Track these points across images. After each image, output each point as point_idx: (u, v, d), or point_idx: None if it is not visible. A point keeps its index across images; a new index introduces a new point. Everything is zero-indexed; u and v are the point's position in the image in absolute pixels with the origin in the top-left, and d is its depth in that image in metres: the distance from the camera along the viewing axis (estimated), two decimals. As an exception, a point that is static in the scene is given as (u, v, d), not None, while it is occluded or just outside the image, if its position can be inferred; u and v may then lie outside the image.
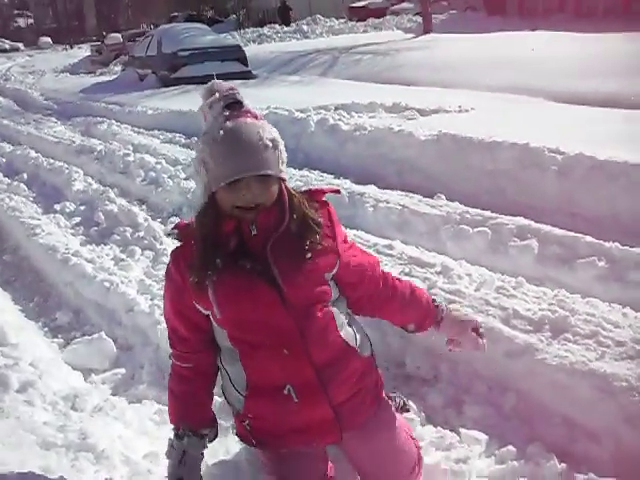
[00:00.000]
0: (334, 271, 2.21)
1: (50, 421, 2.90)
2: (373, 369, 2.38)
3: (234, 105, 2.05)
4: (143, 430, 3.06)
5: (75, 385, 3.47)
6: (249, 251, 2.07)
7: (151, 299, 4.50)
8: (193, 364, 2.28)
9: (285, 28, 31.86)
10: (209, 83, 2.14)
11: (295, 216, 2.11)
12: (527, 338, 3.20)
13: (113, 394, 3.63)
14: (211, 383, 2.35)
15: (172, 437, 2.31)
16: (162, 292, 4.51)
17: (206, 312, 2.14)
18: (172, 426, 2.36)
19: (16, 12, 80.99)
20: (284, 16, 35.23)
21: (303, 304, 2.10)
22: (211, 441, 2.38)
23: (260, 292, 2.06)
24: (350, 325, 2.28)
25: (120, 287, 4.67)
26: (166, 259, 5.31)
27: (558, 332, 3.23)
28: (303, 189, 2.34)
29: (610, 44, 14.86)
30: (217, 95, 2.08)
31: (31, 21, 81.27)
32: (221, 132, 1.97)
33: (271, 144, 2.00)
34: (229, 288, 2.06)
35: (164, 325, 4.05)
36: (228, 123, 1.99)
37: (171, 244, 5.74)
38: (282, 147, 2.07)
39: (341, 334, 2.19)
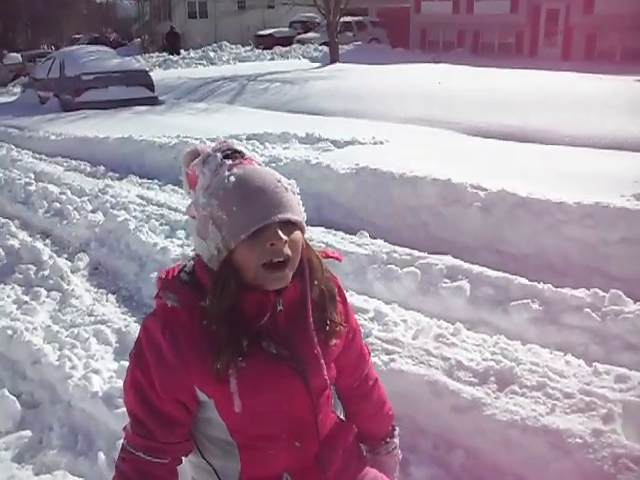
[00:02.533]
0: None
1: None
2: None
3: (234, 154, 1.72)
4: (56, 510, 2.71)
5: (-26, 455, 3.07)
6: (272, 330, 1.71)
7: (59, 349, 4.12)
8: (170, 458, 1.79)
9: (191, 54, 31.39)
10: (190, 148, 1.81)
11: (316, 282, 1.77)
12: (473, 392, 3.04)
13: (17, 462, 3.24)
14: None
15: None
16: (72, 340, 4.23)
17: (209, 400, 1.73)
18: None
19: None
20: (173, 43, 33.59)
21: (320, 391, 1.82)
22: None
23: (286, 382, 1.72)
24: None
25: (24, 335, 4.26)
26: (74, 301, 5.02)
27: (505, 384, 3.08)
28: None
29: (508, 79, 15.34)
30: (208, 150, 1.74)
31: None
32: (231, 179, 1.62)
33: (289, 187, 1.68)
34: (254, 377, 1.69)
35: (75, 379, 3.74)
36: (235, 170, 1.65)
37: (80, 284, 5.38)
38: (298, 197, 1.74)
39: (336, 412, 1.98)
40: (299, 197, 1.71)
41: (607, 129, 9.84)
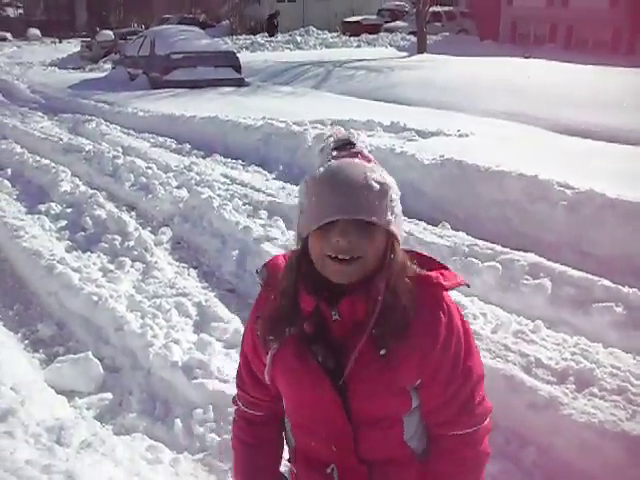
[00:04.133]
0: (417, 382, 1.71)
1: (33, 459, 2.61)
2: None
3: (345, 146, 1.67)
4: (135, 470, 2.79)
5: (60, 414, 3.19)
6: (327, 335, 1.67)
7: (142, 317, 4.24)
8: (265, 412, 1.92)
9: (279, 37, 31.66)
10: (329, 129, 1.79)
11: (391, 295, 1.62)
12: (551, 390, 3.00)
13: (99, 421, 3.36)
14: (281, 433, 1.96)
15: None
16: (154, 310, 4.35)
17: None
18: None
19: (5, 1, 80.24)
20: (270, 26, 34.81)
21: (371, 416, 1.71)
22: None
23: (323, 394, 1.68)
24: (421, 438, 1.82)
25: (109, 302, 4.40)
26: (157, 273, 5.15)
27: (584, 386, 3.03)
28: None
29: (605, 77, 14.89)
30: (330, 138, 1.70)
31: (21, 11, 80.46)
32: (321, 170, 1.61)
33: (378, 186, 1.57)
34: (290, 372, 1.71)
35: (156, 348, 3.84)
36: (333, 162, 1.63)
37: (162, 257, 5.51)
38: (395, 196, 1.62)
39: (408, 445, 1.77)
40: (394, 202, 1.59)
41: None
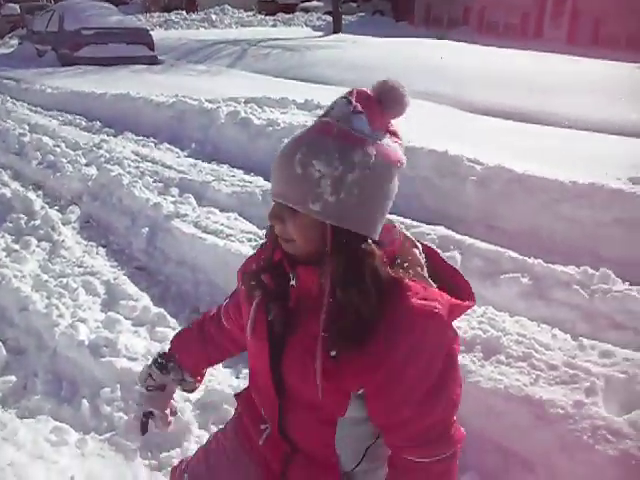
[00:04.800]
0: (359, 390, 1.58)
1: None
2: None
3: (334, 109, 1.53)
4: (38, 453, 2.69)
5: (-42, 395, 3.06)
6: (287, 296, 1.61)
7: (47, 297, 4.11)
8: (229, 328, 1.96)
9: (193, 15, 31.17)
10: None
11: (339, 291, 1.48)
12: (459, 359, 3.03)
13: (1, 405, 3.24)
14: (225, 351, 2.04)
15: (152, 366, 2.05)
16: (60, 290, 4.22)
17: None
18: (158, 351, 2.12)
19: None
20: (189, 3, 34.49)
21: (301, 398, 1.63)
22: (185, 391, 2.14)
23: (261, 353, 1.65)
24: (365, 459, 1.72)
25: (13, 282, 4.25)
26: (64, 252, 5.00)
27: (490, 353, 3.09)
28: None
29: (512, 59, 15.25)
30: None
31: None
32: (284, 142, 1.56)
33: (301, 170, 1.43)
34: (248, 321, 1.67)
35: (62, 327, 3.73)
36: (296, 133, 1.54)
37: (70, 236, 5.36)
38: (328, 182, 1.42)
39: (337, 451, 1.69)
40: (326, 188, 1.42)
41: (607, 114, 9.82)
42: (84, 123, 9.74)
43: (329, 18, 25.99)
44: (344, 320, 1.46)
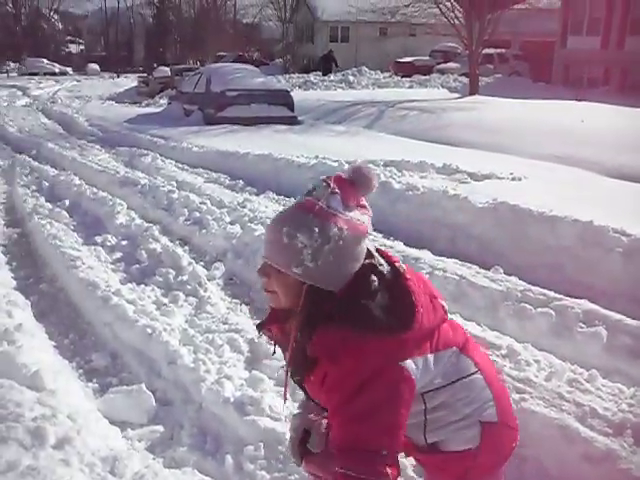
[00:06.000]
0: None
1: (90, 488, 2.67)
2: (453, 465, 2.15)
3: (314, 190, 1.99)
4: (187, 504, 2.82)
5: (114, 444, 3.23)
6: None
7: (194, 352, 4.29)
8: None
9: (331, 77, 32.05)
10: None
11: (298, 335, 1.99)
12: (608, 442, 2.94)
13: (151, 453, 3.40)
14: None
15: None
16: (206, 345, 4.40)
17: None
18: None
19: (69, 38, 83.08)
20: (326, 65, 35.34)
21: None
22: None
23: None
24: (427, 424, 2.12)
25: (163, 335, 4.46)
26: (210, 308, 5.21)
27: (642, 439, 2.97)
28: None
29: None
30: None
31: (82, 47, 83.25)
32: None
33: (287, 240, 1.89)
34: None
35: (209, 383, 3.88)
36: (286, 207, 2.05)
37: (215, 292, 5.57)
38: (308, 252, 1.88)
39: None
40: (308, 256, 1.87)
41: None
42: (228, 181, 10.16)
43: (465, 80, 26.07)
44: (296, 361, 2.00)
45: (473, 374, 2.09)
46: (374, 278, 1.95)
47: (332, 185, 1.93)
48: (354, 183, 1.96)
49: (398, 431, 1.92)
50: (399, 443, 1.94)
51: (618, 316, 4.34)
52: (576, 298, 4.62)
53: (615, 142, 11.99)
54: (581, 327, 4.27)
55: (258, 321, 4.58)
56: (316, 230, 1.87)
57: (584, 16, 29.52)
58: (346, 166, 8.97)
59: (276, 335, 2.14)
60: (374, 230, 6.90)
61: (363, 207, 1.97)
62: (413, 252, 5.81)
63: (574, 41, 29.98)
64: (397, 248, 5.91)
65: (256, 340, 4.49)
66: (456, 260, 5.62)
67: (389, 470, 1.88)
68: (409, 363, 1.91)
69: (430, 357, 1.99)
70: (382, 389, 1.87)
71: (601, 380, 3.60)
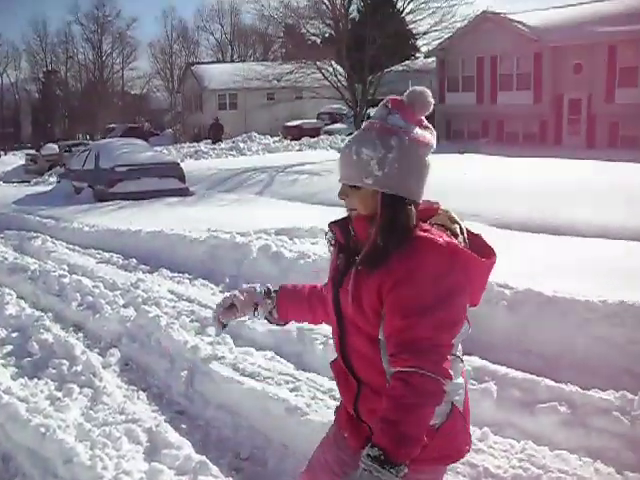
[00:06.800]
0: (381, 310, 2.05)
1: None
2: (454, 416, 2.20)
3: (376, 115, 2.17)
4: None
5: None
6: (350, 249, 2.20)
7: (91, 448, 4.18)
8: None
9: (222, 144, 32.29)
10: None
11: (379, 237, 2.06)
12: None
13: None
14: (318, 317, 2.54)
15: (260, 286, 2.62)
16: (103, 440, 4.30)
17: None
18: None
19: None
20: (215, 134, 35.61)
21: (351, 320, 2.14)
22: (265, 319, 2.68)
23: (329, 291, 2.25)
24: None
25: (57, 433, 4.33)
26: (106, 398, 5.09)
27: (532, 493, 3.09)
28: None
29: (535, 168, 15.51)
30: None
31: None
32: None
33: (355, 157, 2.08)
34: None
35: (106, 480, 3.79)
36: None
37: (110, 380, 5.47)
38: (375, 162, 2.06)
39: (385, 371, 2.07)
40: (375, 166, 2.04)
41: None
42: (121, 261, 10.02)
43: (353, 139, 26.77)
44: (369, 252, 2.05)
45: (459, 357, 2.19)
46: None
47: (389, 106, 2.12)
48: (412, 104, 2.12)
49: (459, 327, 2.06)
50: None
51: (505, 369, 4.51)
52: (466, 355, 4.76)
53: (495, 192, 12.53)
54: (472, 384, 4.40)
55: (155, 408, 4.57)
56: (378, 143, 2.06)
57: (458, 74, 31.12)
58: (238, 238, 9.03)
59: (338, 237, 2.24)
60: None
61: (426, 127, 2.14)
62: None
63: (452, 97, 31.51)
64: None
65: (154, 429, 4.43)
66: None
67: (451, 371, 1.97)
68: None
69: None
70: (445, 289, 1.97)
71: (492, 437, 3.72)
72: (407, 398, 1.90)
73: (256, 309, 2.60)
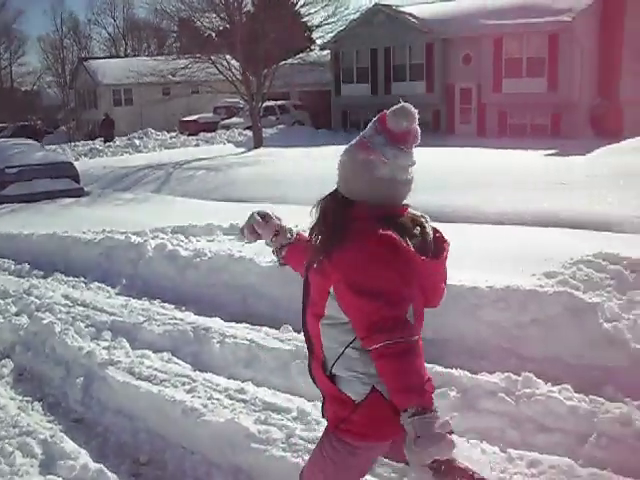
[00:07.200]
0: (328, 290, 2.41)
1: None
2: (337, 403, 2.49)
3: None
4: None
5: None
6: None
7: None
8: None
9: (117, 142, 31.60)
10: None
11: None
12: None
13: None
14: None
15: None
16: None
17: None
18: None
19: None
20: (108, 130, 34.14)
21: (310, 300, 2.54)
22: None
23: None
24: (341, 357, 2.44)
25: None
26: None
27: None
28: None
29: (432, 159, 15.89)
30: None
31: None
32: None
33: (341, 163, 2.45)
34: None
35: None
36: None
37: (3, 392, 5.34)
38: (341, 167, 2.44)
39: (324, 352, 2.49)
40: (340, 171, 2.44)
41: (521, 206, 10.33)
42: (13, 267, 9.70)
43: (250, 133, 26.74)
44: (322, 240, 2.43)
45: None
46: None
47: (378, 126, 2.42)
48: (390, 128, 2.39)
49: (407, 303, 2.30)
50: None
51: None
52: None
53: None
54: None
55: (51, 418, 4.49)
56: (348, 155, 2.41)
57: (353, 66, 31.53)
58: (133, 238, 8.91)
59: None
60: (165, 301, 6.91)
61: (405, 145, 2.40)
62: (204, 321, 5.91)
63: (347, 89, 31.85)
64: (187, 320, 5.98)
65: (49, 440, 4.36)
66: (247, 324, 5.78)
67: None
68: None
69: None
70: (398, 264, 2.27)
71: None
72: (395, 365, 2.23)
73: (275, 236, 2.99)
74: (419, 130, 2.42)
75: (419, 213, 2.49)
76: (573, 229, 8.90)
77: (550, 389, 4.29)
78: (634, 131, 22.96)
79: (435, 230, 2.48)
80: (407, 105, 2.41)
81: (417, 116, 2.40)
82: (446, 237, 2.48)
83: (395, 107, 2.41)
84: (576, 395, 4.22)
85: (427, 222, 2.48)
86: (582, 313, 5.10)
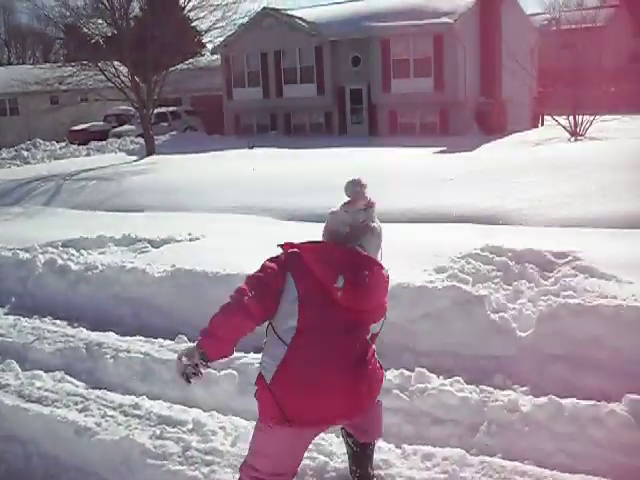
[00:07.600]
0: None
1: None
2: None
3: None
4: None
5: None
6: None
7: None
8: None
9: (3, 154, 30.38)
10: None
11: None
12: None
13: None
14: None
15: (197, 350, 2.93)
16: None
17: None
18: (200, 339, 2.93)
19: None
20: None
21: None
22: None
23: None
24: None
25: None
26: None
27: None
28: None
29: (317, 159, 16.09)
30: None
31: None
32: None
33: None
34: None
35: None
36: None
37: None
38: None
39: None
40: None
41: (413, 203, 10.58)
42: None
43: (142, 141, 26.29)
44: None
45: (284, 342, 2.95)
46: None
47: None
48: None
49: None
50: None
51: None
52: (256, 353, 4.90)
53: (283, 186, 12.89)
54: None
55: None
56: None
57: (243, 70, 31.51)
58: (21, 254, 8.60)
59: None
60: (56, 318, 6.69)
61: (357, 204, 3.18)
62: (97, 336, 5.78)
63: (239, 93, 31.80)
64: (80, 336, 5.83)
65: None
66: (140, 337, 5.69)
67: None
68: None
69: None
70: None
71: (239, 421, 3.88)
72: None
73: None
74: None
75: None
76: (462, 223, 9.20)
77: (442, 382, 4.43)
78: (516, 126, 24.01)
79: None
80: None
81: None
82: None
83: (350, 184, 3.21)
84: (467, 386, 4.37)
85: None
86: (470, 305, 5.28)
